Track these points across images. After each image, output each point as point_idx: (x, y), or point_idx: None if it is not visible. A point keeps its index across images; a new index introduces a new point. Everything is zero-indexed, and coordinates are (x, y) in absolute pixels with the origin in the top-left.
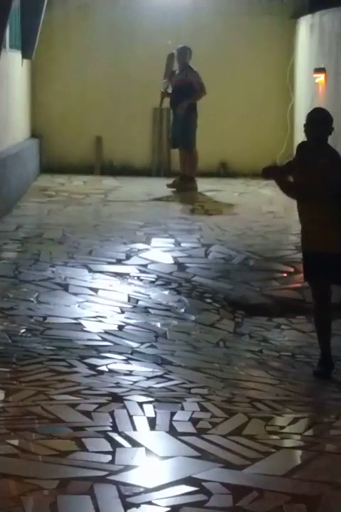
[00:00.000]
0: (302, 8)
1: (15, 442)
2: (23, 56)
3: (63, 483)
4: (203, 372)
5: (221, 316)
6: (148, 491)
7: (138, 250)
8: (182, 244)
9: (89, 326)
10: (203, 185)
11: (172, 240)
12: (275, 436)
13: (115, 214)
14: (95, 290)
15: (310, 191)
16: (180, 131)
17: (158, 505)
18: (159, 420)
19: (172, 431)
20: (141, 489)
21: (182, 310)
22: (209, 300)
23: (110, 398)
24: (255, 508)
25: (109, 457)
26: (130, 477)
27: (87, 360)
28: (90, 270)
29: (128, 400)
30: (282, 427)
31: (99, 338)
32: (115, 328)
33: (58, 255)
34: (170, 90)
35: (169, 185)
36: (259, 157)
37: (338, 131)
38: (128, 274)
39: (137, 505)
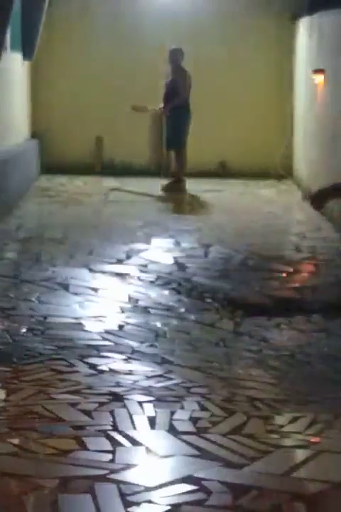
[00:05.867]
0: (302, 10)
1: (16, 441)
2: (24, 57)
3: (64, 481)
4: (203, 371)
5: (221, 316)
6: (148, 489)
7: (138, 250)
8: (182, 244)
9: (90, 325)
10: (203, 185)
11: (172, 240)
12: (274, 435)
13: (115, 214)
14: (95, 290)
15: None
16: (169, 131)
17: (158, 503)
18: (159, 419)
19: (172, 430)
20: (141, 488)
21: (182, 310)
22: (209, 300)
23: (110, 397)
24: (254, 507)
25: (110, 456)
26: (130, 476)
27: (87, 360)
28: (90, 270)
29: (129, 399)
30: (281, 426)
31: (100, 338)
32: (115, 327)
33: (59, 255)
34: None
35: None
36: (259, 157)
37: (338, 131)
38: (128, 274)
39: (137, 504)
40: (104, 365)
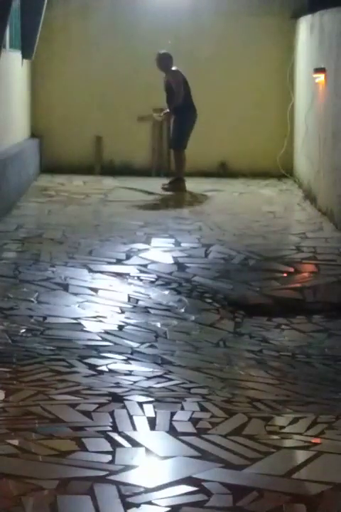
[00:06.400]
0: (303, 8)
1: (15, 442)
2: (23, 56)
3: (63, 483)
4: (203, 372)
5: (221, 316)
6: (148, 490)
7: (138, 250)
8: (182, 244)
9: (89, 326)
10: (203, 185)
11: (172, 240)
12: (275, 436)
13: (115, 214)
14: (95, 290)
15: None
16: (172, 131)
17: (158, 505)
18: (159, 420)
19: (172, 431)
20: (141, 489)
21: (182, 310)
22: (209, 300)
23: (110, 398)
24: (255, 508)
25: (109, 457)
26: (130, 477)
27: (87, 360)
28: (90, 270)
29: (128, 399)
30: (282, 427)
31: (99, 338)
32: (115, 328)
33: (58, 255)
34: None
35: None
36: (259, 157)
37: (338, 131)
38: (128, 274)
39: (137, 505)
40: (103, 365)
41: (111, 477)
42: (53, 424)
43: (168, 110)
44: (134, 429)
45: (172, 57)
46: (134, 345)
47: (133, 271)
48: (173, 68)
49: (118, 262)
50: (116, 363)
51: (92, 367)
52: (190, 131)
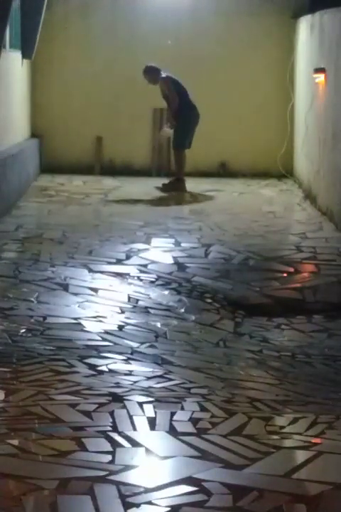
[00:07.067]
0: (302, 8)
1: (15, 442)
2: (23, 56)
3: (63, 483)
4: (203, 372)
5: (221, 316)
6: (148, 490)
7: (138, 250)
8: (182, 244)
9: (89, 326)
10: (203, 185)
11: (172, 240)
12: (275, 436)
13: (115, 214)
14: (95, 290)
15: None
16: (174, 131)
17: (158, 505)
18: (159, 420)
19: (172, 431)
20: (141, 489)
21: (182, 310)
22: (209, 300)
23: (110, 398)
24: (255, 508)
25: (109, 457)
26: (130, 477)
27: (87, 360)
28: (90, 270)
29: (128, 399)
30: (282, 427)
31: (99, 338)
32: (115, 328)
33: (58, 255)
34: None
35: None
36: (259, 157)
37: (338, 131)
38: (128, 274)
39: (137, 505)
40: (103, 365)
41: (111, 477)
42: (53, 424)
43: (169, 125)
44: (134, 429)
45: (157, 67)
46: (134, 345)
47: (133, 271)
48: (162, 75)
49: (118, 262)
50: (116, 363)
51: (92, 367)
52: (193, 130)
